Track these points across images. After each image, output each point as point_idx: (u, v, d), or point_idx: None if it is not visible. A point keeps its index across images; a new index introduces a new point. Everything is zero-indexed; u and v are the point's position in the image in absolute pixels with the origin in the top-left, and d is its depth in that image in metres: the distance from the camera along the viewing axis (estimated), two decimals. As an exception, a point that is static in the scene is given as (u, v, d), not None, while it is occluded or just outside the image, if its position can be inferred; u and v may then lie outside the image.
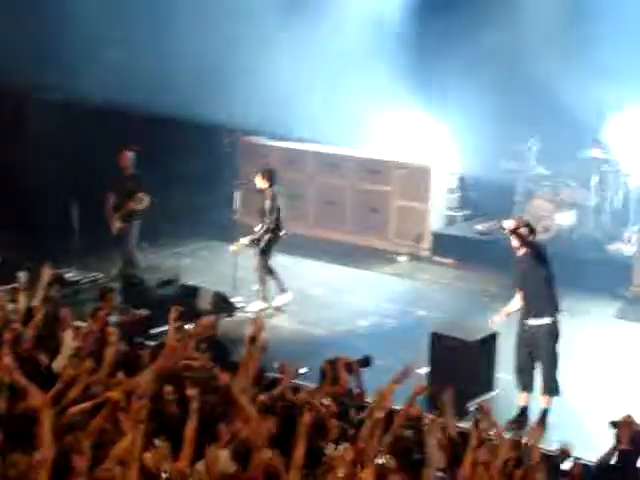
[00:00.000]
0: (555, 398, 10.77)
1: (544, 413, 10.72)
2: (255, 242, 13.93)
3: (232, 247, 14.12)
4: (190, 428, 7.34)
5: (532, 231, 10.91)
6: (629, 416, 8.55)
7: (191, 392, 7.57)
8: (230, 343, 11.45)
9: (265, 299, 14.08)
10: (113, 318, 10.98)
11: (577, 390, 11.33)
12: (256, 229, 13.96)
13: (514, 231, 10.67)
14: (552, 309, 10.73)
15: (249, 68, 17.28)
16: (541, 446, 8.61)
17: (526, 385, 10.84)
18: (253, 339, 9.29)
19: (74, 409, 7.67)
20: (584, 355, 12.58)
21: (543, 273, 10.76)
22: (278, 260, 14.52)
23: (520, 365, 10.87)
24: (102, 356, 8.83)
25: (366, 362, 9.89)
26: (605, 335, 13.49)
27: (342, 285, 15.41)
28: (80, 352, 9.34)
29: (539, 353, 10.76)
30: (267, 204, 13.94)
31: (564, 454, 8.46)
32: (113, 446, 7.15)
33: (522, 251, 10.81)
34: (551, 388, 10.76)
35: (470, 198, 17.58)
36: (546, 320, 10.68)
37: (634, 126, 15.97)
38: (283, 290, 14.26)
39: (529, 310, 10.78)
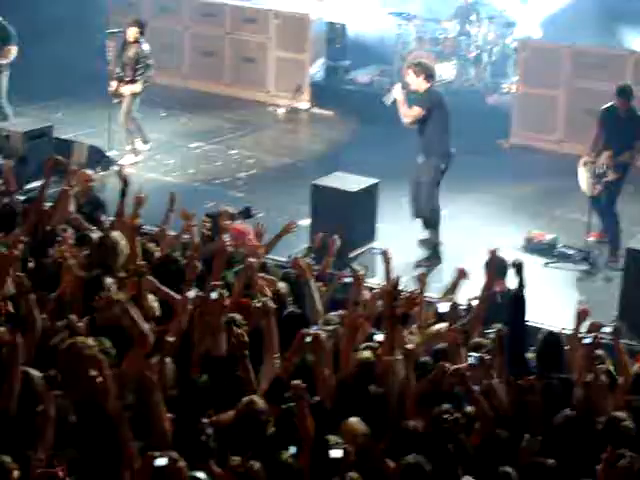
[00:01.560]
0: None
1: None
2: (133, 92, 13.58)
3: (111, 90, 13.70)
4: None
5: (431, 77, 11.17)
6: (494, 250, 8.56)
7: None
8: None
9: (136, 152, 13.79)
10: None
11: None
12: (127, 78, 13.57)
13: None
14: (438, 151, 11.03)
15: None
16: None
17: (416, 213, 11.34)
18: (123, 192, 9.09)
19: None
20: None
21: (437, 118, 11.00)
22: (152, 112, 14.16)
23: (411, 195, 11.33)
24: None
25: (247, 213, 9.74)
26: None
27: (219, 138, 15.09)
28: None
29: (420, 188, 11.19)
30: (141, 53, 13.53)
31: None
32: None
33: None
34: (429, 221, 11.24)
35: (351, 48, 17.22)
36: (430, 160, 11.03)
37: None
38: (146, 142, 14.06)
39: (421, 148, 11.15)
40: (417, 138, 11.25)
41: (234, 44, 17.20)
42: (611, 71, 13.85)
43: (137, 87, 13.63)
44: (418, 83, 11.13)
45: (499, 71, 16.39)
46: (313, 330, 6.90)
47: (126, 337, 6.53)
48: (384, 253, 8.87)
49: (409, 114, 11.13)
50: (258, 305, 7.19)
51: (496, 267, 8.43)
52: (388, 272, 8.64)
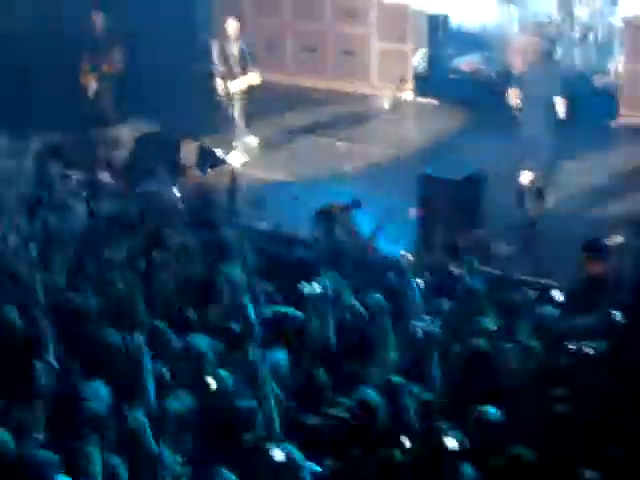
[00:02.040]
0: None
1: None
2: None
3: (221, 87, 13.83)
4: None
5: None
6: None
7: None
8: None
9: (246, 149, 13.96)
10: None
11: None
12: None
13: None
14: None
15: None
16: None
17: None
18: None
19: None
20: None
21: None
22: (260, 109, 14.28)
23: None
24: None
25: (357, 204, 9.87)
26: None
27: (325, 131, 15.14)
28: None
29: None
30: (242, 48, 13.72)
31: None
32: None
33: None
34: None
35: (453, 36, 17.13)
36: None
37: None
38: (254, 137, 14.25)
39: None
40: None
41: (336, 38, 17.25)
42: None
43: (252, 79, 13.72)
44: None
45: (606, 51, 16.12)
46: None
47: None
48: None
49: None
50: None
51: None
52: None
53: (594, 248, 8.53)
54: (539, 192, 11.30)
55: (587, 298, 8.06)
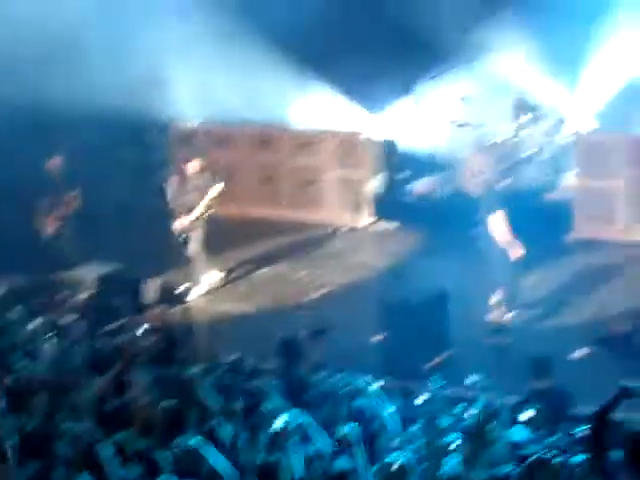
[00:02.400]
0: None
1: None
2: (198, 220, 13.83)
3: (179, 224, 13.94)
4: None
5: None
6: None
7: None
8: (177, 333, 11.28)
9: (206, 283, 14.04)
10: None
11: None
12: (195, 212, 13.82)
13: None
14: None
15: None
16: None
17: None
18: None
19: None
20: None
21: None
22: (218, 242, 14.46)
23: None
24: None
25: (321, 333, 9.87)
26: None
27: (287, 262, 15.25)
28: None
29: None
30: (207, 180, 13.89)
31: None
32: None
33: None
34: None
35: (406, 160, 17.44)
36: None
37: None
38: (219, 270, 14.34)
39: None
40: None
41: (291, 169, 17.49)
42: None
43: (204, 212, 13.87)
44: None
45: (556, 167, 16.42)
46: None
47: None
48: None
49: None
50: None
51: None
52: None
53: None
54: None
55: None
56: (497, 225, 12.15)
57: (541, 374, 9.15)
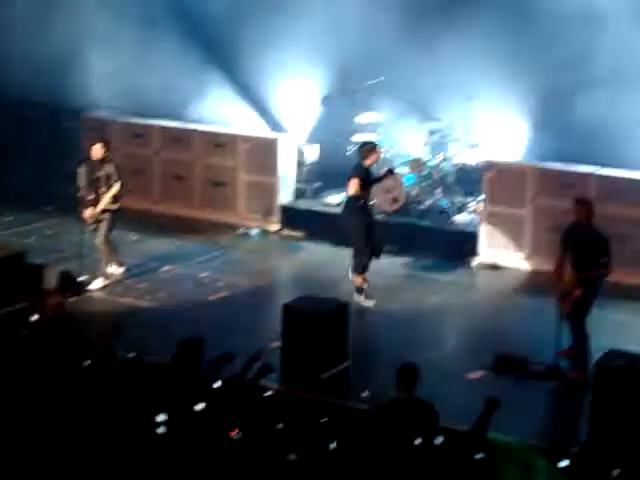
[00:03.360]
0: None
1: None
2: (105, 212, 13.69)
3: (88, 213, 13.78)
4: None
5: None
6: None
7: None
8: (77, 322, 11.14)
9: (107, 276, 13.87)
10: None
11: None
12: (108, 194, 13.70)
13: None
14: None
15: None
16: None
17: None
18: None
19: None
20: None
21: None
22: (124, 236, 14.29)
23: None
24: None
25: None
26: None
27: (191, 261, 15.17)
28: None
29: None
30: (110, 171, 13.70)
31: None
32: None
33: None
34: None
35: (320, 170, 17.51)
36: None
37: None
38: (121, 264, 14.18)
39: None
40: None
41: (204, 168, 17.44)
42: (577, 190, 14.00)
43: (110, 204, 13.76)
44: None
45: (465, 191, 16.63)
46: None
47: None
48: None
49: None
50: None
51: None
52: None
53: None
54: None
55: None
56: None
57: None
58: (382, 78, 16.59)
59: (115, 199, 13.78)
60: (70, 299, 12.10)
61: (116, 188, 13.71)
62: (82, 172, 13.96)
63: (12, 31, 18.47)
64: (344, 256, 14.13)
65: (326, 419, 8.48)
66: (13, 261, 12.87)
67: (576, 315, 11.24)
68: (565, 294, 11.17)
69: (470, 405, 8.87)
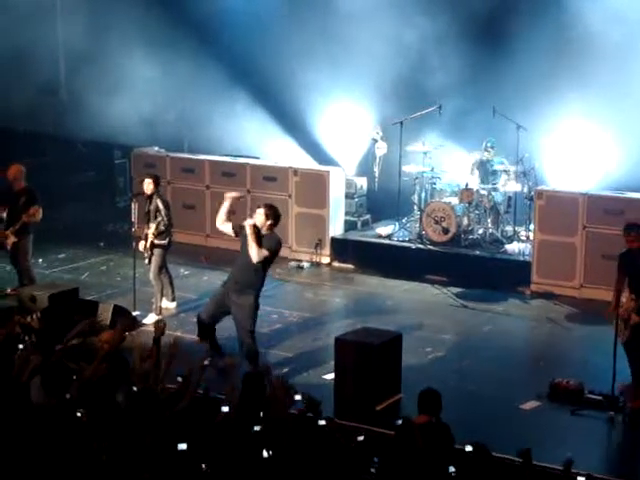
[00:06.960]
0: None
1: None
2: (155, 247, 13.78)
3: (140, 247, 13.88)
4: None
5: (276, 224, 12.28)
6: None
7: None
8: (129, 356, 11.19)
9: (159, 310, 13.94)
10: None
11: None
12: (150, 230, 13.77)
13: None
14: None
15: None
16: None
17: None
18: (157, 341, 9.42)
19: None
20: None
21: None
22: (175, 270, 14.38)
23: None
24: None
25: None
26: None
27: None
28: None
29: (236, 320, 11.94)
30: (159, 206, 13.80)
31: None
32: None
33: None
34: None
35: (369, 203, 17.56)
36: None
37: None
38: (173, 299, 14.26)
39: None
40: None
41: (254, 201, 17.50)
42: (628, 216, 13.92)
43: (158, 239, 13.84)
44: (266, 226, 12.12)
45: (517, 219, 16.59)
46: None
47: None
48: None
49: (261, 254, 11.75)
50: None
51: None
52: None
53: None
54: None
55: None
56: None
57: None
58: (436, 107, 16.60)
59: (161, 234, 13.85)
60: (125, 334, 12.16)
61: (156, 224, 13.74)
62: (134, 207, 14.10)
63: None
64: (393, 287, 14.12)
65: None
66: (68, 297, 13.00)
67: (634, 342, 11.10)
68: (623, 321, 11.05)
69: (525, 436, 8.81)
